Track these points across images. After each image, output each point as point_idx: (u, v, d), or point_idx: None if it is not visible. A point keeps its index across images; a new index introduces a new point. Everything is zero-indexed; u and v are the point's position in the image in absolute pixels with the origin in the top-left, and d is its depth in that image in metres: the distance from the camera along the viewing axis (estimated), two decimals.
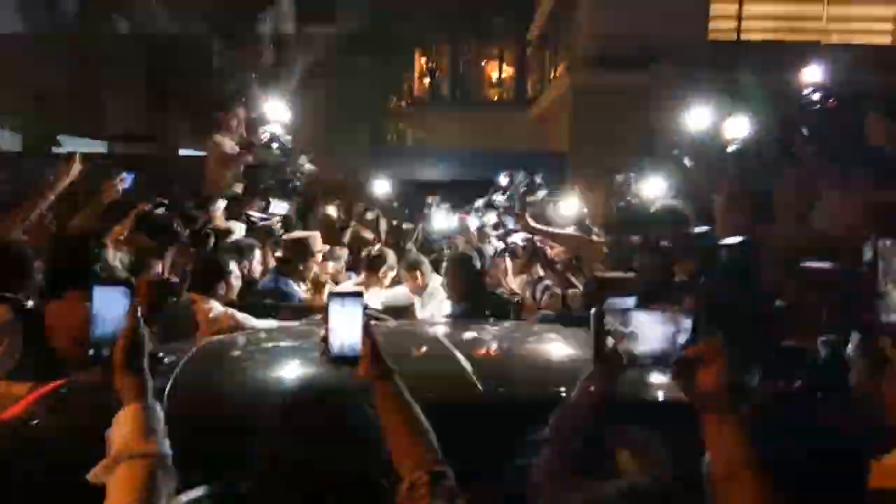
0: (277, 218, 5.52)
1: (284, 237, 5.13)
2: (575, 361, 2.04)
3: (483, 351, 2.55)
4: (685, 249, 1.47)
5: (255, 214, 5.50)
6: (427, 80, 21.57)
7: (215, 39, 9.04)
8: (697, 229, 1.87)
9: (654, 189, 5.18)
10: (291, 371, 2.15)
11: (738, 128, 4.48)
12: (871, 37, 13.76)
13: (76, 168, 4.09)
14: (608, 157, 11.49)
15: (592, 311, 1.19)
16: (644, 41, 12.16)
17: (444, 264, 4.66)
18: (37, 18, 13.07)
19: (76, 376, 2.13)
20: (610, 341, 1.21)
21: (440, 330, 2.58)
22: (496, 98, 21.64)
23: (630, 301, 1.58)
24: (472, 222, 5.78)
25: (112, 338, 1.45)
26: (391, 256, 5.31)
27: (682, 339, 1.18)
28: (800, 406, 1.29)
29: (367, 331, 1.57)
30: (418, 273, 4.95)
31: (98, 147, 13.69)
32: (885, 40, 13.96)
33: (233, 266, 3.88)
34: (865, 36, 13.69)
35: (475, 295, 4.12)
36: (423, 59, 21.28)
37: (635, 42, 12.26)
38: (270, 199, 5.56)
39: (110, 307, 1.50)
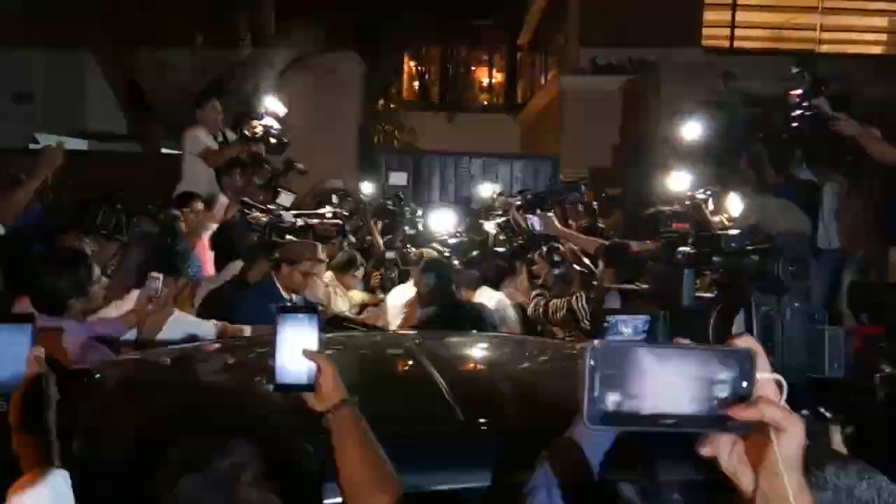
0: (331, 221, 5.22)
1: (284, 242, 4.66)
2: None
3: (465, 369, 2.27)
4: (708, 256, 1.18)
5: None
6: (416, 84, 21.35)
7: (193, 33, 8.74)
8: (727, 231, 1.54)
9: (677, 184, 5.06)
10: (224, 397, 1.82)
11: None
12: (865, 47, 13.68)
13: (59, 157, 3.83)
14: (597, 161, 11.39)
15: (582, 348, 0.75)
16: (636, 46, 12.00)
17: (416, 268, 4.42)
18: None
19: None
20: (607, 395, 0.74)
21: (413, 342, 2.29)
22: (486, 103, 21.45)
23: (639, 322, 1.30)
24: (489, 226, 5.51)
25: (10, 388, 1.15)
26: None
27: (721, 393, 0.74)
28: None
29: (321, 356, 1.30)
30: None
31: (79, 145, 13.36)
32: (878, 50, 13.89)
33: (97, 287, 2.68)
34: (858, 46, 13.60)
35: (442, 298, 3.89)
36: (413, 63, 21.05)
37: (626, 47, 12.11)
38: (280, 190, 5.28)
39: (7, 350, 1.19)
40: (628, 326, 1.29)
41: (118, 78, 14.36)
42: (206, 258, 4.82)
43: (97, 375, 1.83)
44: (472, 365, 2.35)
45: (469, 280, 4.95)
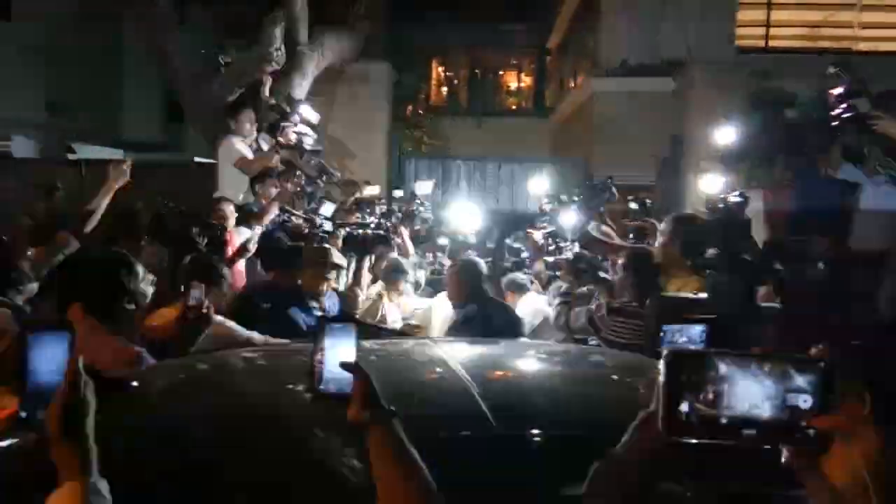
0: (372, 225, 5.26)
1: (305, 246, 4.68)
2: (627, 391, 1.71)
3: (500, 376, 2.23)
4: (767, 266, 1.12)
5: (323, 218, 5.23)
6: (444, 89, 21.38)
7: (225, 43, 8.86)
8: (790, 238, 1.48)
9: (710, 186, 4.95)
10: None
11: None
12: None
13: (128, 171, 4.17)
14: (629, 163, 11.26)
15: (664, 354, 0.75)
16: (667, 47, 11.85)
17: (447, 268, 4.43)
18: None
19: None
20: (685, 404, 0.73)
21: (447, 349, 2.26)
22: (514, 107, 21.38)
23: (697, 331, 1.25)
24: (537, 236, 5.45)
25: (48, 396, 1.15)
26: None
27: (801, 401, 0.73)
28: None
29: (359, 367, 1.30)
30: None
31: (115, 155, 13.63)
32: None
33: (143, 285, 2.53)
34: None
35: (479, 298, 3.93)
36: (441, 68, 21.08)
37: (658, 48, 11.96)
38: (324, 201, 5.35)
39: (47, 358, 1.20)
40: (684, 336, 1.25)
41: (153, 88, 14.65)
42: (235, 269, 4.86)
43: (136, 383, 1.84)
44: (510, 372, 2.32)
45: (513, 284, 4.93)
